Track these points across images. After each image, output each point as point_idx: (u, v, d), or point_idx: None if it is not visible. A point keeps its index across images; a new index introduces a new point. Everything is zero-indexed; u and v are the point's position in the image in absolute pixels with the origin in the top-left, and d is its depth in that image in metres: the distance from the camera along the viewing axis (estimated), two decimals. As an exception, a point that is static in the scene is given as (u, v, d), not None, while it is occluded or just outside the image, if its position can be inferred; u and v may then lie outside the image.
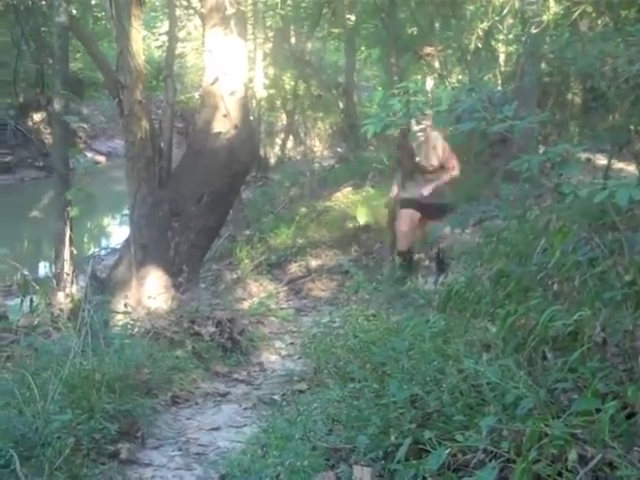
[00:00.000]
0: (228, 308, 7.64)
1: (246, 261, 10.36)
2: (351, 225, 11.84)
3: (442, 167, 8.89)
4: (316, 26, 17.97)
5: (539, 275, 4.05)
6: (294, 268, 10.52)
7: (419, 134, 8.70)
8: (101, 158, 25.69)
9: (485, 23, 14.01)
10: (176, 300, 7.34)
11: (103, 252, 14.17)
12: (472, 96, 3.71)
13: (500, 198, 5.08)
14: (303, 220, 11.85)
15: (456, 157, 9.09)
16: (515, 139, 3.73)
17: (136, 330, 6.43)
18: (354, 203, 13.00)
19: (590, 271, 3.68)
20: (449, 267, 8.56)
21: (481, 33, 14.41)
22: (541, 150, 3.69)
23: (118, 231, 16.20)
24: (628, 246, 3.54)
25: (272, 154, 21.10)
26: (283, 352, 7.23)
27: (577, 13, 8.54)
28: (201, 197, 7.62)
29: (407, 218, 8.73)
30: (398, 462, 3.00)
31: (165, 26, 19.30)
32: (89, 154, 23.34)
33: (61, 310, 6.84)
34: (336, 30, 18.59)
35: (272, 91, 19.30)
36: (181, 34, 18.50)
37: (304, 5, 17.60)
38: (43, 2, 19.94)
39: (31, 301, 6.72)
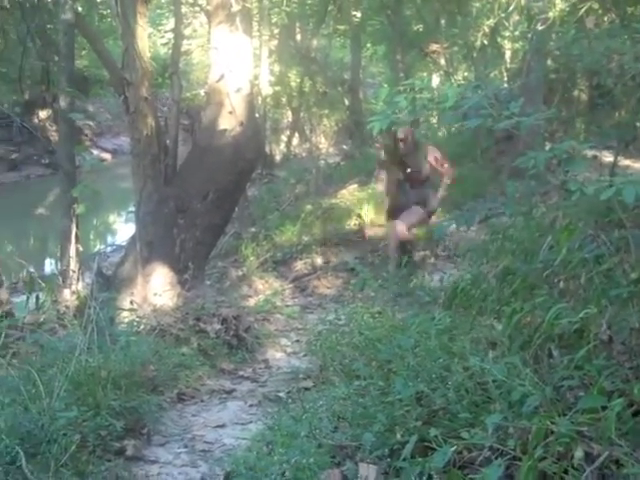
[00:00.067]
0: (234, 305, 7.64)
1: (251, 258, 10.35)
2: (356, 222, 11.83)
3: (428, 178, 8.89)
4: (322, 23, 17.95)
5: (545, 272, 4.05)
6: (300, 265, 10.52)
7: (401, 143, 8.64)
8: (107, 155, 25.71)
9: (491, 20, 14.00)
10: (182, 297, 7.34)
11: (109, 249, 14.16)
12: (478, 93, 3.70)
13: (506, 195, 5.05)
14: (309, 217, 11.83)
15: (448, 162, 9.01)
16: (521, 136, 3.72)
17: (142, 327, 6.43)
18: (360, 200, 12.99)
19: (596, 268, 3.68)
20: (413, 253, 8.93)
21: (487, 30, 14.40)
22: (547, 147, 3.68)
23: (124, 228, 16.24)
24: (634, 243, 3.53)
25: (278, 151, 21.11)
26: (289, 349, 7.23)
27: (583, 10, 8.54)
28: (207, 194, 7.62)
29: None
30: (404, 460, 3.00)
31: (171, 23, 19.27)
32: (95, 151, 23.39)
33: (67, 307, 6.85)
34: (342, 27, 18.60)
35: (278, 88, 19.27)
36: (187, 31, 18.50)
37: (310, 2, 17.58)
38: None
39: (37, 298, 6.73)
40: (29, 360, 5.01)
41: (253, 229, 12.15)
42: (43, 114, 24.73)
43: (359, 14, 17.57)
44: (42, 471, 3.62)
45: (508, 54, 17.12)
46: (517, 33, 15.56)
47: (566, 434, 2.69)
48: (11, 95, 24.23)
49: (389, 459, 3.16)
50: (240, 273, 10.16)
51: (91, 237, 17.09)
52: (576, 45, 8.39)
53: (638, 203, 3.15)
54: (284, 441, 3.73)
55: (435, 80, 17.79)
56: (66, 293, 7.25)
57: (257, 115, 10.87)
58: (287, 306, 8.85)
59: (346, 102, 20.03)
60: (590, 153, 10.88)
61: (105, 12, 20.99)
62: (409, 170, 8.71)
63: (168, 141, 7.88)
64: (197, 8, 15.09)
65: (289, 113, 21.87)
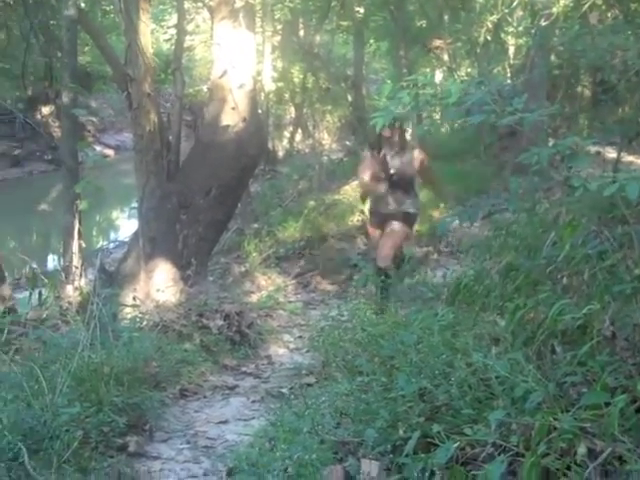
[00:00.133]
0: (236, 301, 7.64)
1: (254, 254, 10.35)
2: (359, 218, 11.82)
3: (413, 182, 8.15)
4: (325, 19, 17.91)
5: (548, 269, 4.04)
6: (302, 261, 10.52)
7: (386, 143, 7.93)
8: (110, 151, 25.72)
9: (494, 15, 13.95)
10: (184, 293, 7.34)
11: (112, 245, 14.17)
12: (481, 89, 3.69)
13: (509, 191, 5.05)
14: (311, 213, 11.83)
15: (432, 169, 8.48)
16: (525, 132, 3.71)
17: (144, 323, 6.44)
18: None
19: (599, 264, 3.67)
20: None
21: (490, 26, 14.36)
22: (550, 143, 3.67)
23: (127, 224, 16.22)
24: (638, 239, 3.52)
25: (280, 147, 21.10)
26: (291, 345, 7.23)
27: (587, 5, 8.51)
28: (209, 190, 7.62)
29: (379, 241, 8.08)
30: (406, 456, 3.00)
31: (173, 19, 19.26)
32: (98, 147, 23.43)
33: (70, 303, 6.85)
34: (345, 23, 18.55)
35: (280, 84, 19.26)
36: (190, 27, 18.46)
37: (312, -2, 17.57)
38: (52, -5, 19.94)
39: (40, 294, 6.74)
40: (32, 356, 5.02)
41: (256, 225, 12.15)
42: (46, 110, 24.74)
43: (362, 10, 17.52)
44: (44, 467, 3.63)
45: (511, 50, 17.11)
46: (520, 29, 15.53)
47: (569, 430, 2.68)
48: (14, 91, 24.25)
49: (392, 455, 3.16)
50: (243, 269, 10.16)
51: (94, 233, 17.09)
52: (580, 41, 8.38)
53: (641, 199, 3.15)
54: (287, 437, 3.73)
55: (438, 76, 17.76)
56: (69, 289, 7.25)
57: (260, 111, 10.88)
58: (290, 302, 8.86)
59: (349, 98, 19.99)
60: (593, 149, 10.88)
61: (108, 8, 21.01)
62: (393, 172, 7.94)
63: (171, 137, 7.88)
64: (200, 4, 15.05)
65: (292, 109, 21.87)
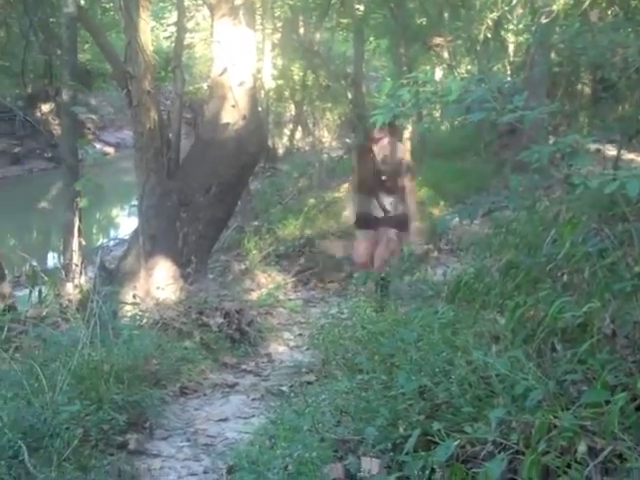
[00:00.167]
0: (236, 299, 7.64)
1: (254, 252, 10.35)
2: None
3: (403, 188, 7.77)
4: (325, 16, 17.91)
5: (548, 266, 4.04)
6: (302, 259, 10.52)
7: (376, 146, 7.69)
8: (110, 149, 25.74)
9: (495, 13, 13.98)
10: (184, 291, 7.34)
11: (112, 243, 14.17)
12: (482, 86, 3.69)
13: (509, 189, 5.05)
14: (311, 211, 11.84)
15: (413, 174, 7.97)
16: (525, 130, 3.71)
17: (144, 321, 6.44)
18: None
19: (600, 262, 3.67)
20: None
21: (490, 23, 14.39)
22: (551, 141, 3.67)
23: (127, 222, 16.22)
24: (638, 237, 3.53)
25: (280, 145, 21.11)
26: (291, 343, 7.23)
27: (587, 3, 8.52)
28: (209, 188, 7.61)
29: (364, 246, 7.94)
30: (407, 453, 3.00)
31: (173, 17, 19.26)
32: (98, 145, 23.40)
33: (70, 301, 6.85)
34: (345, 20, 18.54)
35: (280, 82, 19.28)
36: (189, 25, 18.47)
37: (312, -5, 17.57)
38: (51, -7, 19.94)
39: (40, 292, 6.74)
40: (32, 354, 5.02)
41: (256, 223, 12.15)
42: (46, 108, 24.75)
43: (362, 7, 17.52)
44: (45, 465, 3.62)
45: (512, 47, 17.13)
46: (521, 26, 15.56)
47: (569, 428, 2.68)
48: (14, 89, 24.27)
49: (392, 453, 3.16)
50: (243, 267, 10.15)
51: (94, 231, 17.09)
52: (580, 38, 8.38)
53: (642, 197, 3.15)
54: (287, 435, 3.73)
55: (438, 73, 17.76)
56: (69, 287, 7.25)
57: (260, 109, 10.86)
58: (290, 300, 8.86)
59: (349, 96, 19.95)
60: (593, 147, 10.86)
61: (108, 5, 21.03)
62: (384, 178, 7.67)
63: (171, 135, 7.88)
64: (200, 1, 15.08)
65: (292, 107, 21.89)
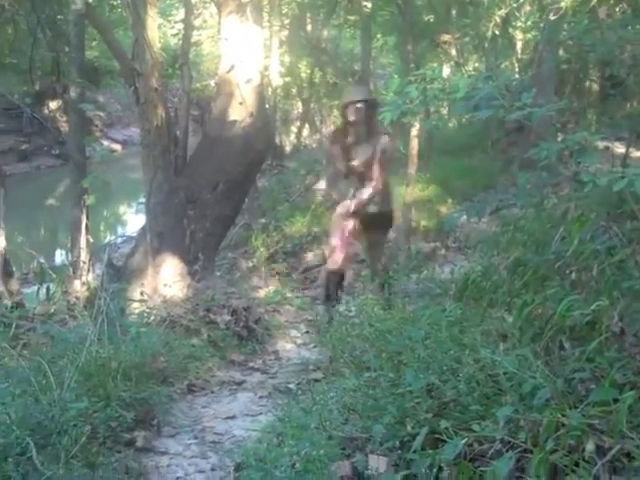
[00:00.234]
0: (244, 296, 7.65)
1: (262, 249, 10.36)
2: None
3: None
4: (332, 13, 17.92)
5: (557, 264, 4.03)
6: (310, 256, 10.52)
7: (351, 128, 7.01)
8: (117, 146, 25.79)
9: (503, 10, 13.94)
10: (192, 288, 7.35)
11: (119, 240, 14.20)
12: (489, 83, 3.68)
13: (517, 186, 5.04)
14: (319, 208, 11.83)
15: (382, 168, 7.06)
16: (533, 127, 3.70)
17: (152, 318, 6.44)
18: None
19: (608, 260, 3.66)
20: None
21: (498, 20, 14.36)
22: (559, 138, 3.66)
23: (134, 219, 16.25)
24: (647, 235, 3.52)
25: (288, 142, 21.12)
26: (299, 341, 7.24)
27: (596, 0, 8.48)
28: (217, 185, 7.62)
29: (342, 229, 7.06)
30: (414, 452, 2.99)
31: (181, 14, 19.27)
32: (105, 142, 23.50)
33: (77, 298, 6.86)
34: (352, 17, 18.54)
35: (288, 79, 19.29)
36: (197, 22, 18.46)
37: (320, -8, 17.57)
38: (59, -10, 19.97)
39: (47, 289, 6.75)
40: (40, 351, 5.03)
41: (263, 220, 12.17)
42: (53, 105, 24.80)
43: (369, 4, 17.51)
44: (52, 462, 3.62)
45: (519, 44, 17.09)
46: (529, 23, 15.52)
47: (577, 427, 2.68)
48: (21, 86, 24.32)
49: (399, 451, 3.15)
50: (250, 264, 10.17)
51: (101, 228, 17.13)
52: (588, 35, 8.34)
53: (650, 194, 3.14)
54: (294, 433, 3.72)
55: (446, 71, 17.72)
56: (76, 284, 7.27)
57: (267, 106, 10.87)
58: (297, 297, 8.86)
59: (357, 93, 19.93)
60: (602, 144, 10.85)
61: (115, 2, 21.03)
62: (355, 163, 7.01)
63: (178, 132, 7.88)
64: (207, -2, 15.10)
65: (299, 104, 21.89)
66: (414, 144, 10.40)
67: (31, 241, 15.37)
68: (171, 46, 22.75)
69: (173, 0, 22.34)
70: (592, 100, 17.42)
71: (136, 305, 6.85)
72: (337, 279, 7.24)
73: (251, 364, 6.40)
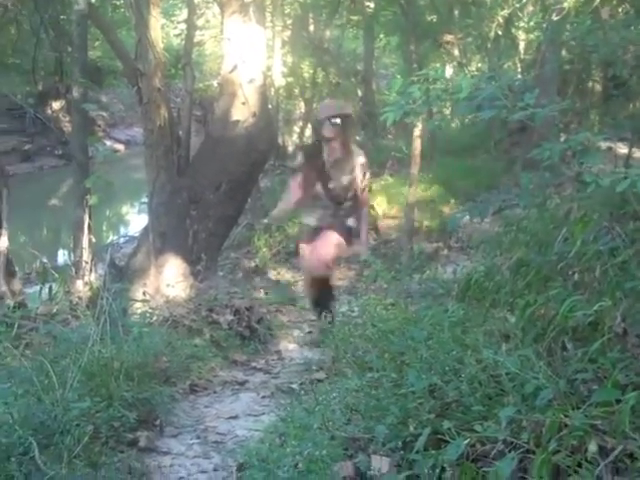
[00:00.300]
0: (246, 296, 7.66)
1: (264, 249, 10.37)
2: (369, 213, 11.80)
3: (355, 197, 6.78)
4: (335, 13, 17.93)
5: (559, 265, 4.03)
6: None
7: (329, 137, 6.54)
8: (120, 146, 25.81)
9: (505, 10, 13.94)
10: (194, 288, 7.36)
11: (122, 240, 14.22)
12: (492, 84, 3.68)
13: (520, 187, 5.04)
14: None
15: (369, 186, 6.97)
16: (536, 127, 3.70)
17: (155, 318, 6.44)
18: (372, 192, 12.96)
19: (611, 261, 3.66)
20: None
21: (501, 20, 14.35)
22: (562, 138, 3.66)
23: (137, 219, 16.27)
24: (649, 235, 3.52)
25: (290, 142, 21.09)
26: (301, 341, 7.23)
27: (598, 0, 8.48)
28: (219, 185, 7.62)
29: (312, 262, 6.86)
30: (417, 452, 2.99)
31: (184, 14, 19.26)
32: (108, 142, 23.46)
33: (80, 298, 6.87)
34: (355, 17, 18.55)
35: (290, 79, 19.28)
36: (200, 22, 18.47)
37: (323, -8, 17.57)
38: (62, -10, 19.97)
39: (50, 289, 6.76)
40: (42, 351, 5.03)
41: (266, 220, 12.15)
42: (56, 105, 24.82)
43: (372, 4, 17.52)
44: (55, 462, 3.62)
45: (522, 45, 17.07)
46: (531, 24, 15.50)
47: (580, 427, 2.67)
48: (24, 86, 24.33)
49: (402, 451, 3.15)
50: (253, 264, 10.17)
51: (104, 228, 17.15)
52: (591, 36, 8.34)
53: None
54: (297, 433, 3.72)
55: (448, 71, 17.73)
56: (79, 284, 7.28)
57: (270, 106, 10.87)
58: (300, 297, 8.85)
59: (359, 93, 20.00)
60: (605, 145, 10.84)
61: (118, 3, 21.00)
62: (332, 185, 6.61)
63: (181, 132, 7.89)
64: (210, -1, 15.11)
65: (302, 104, 21.87)
66: (417, 144, 10.39)
67: (34, 241, 15.40)
68: (174, 46, 22.75)
69: (176, 0, 22.33)
70: (595, 100, 17.41)
71: (138, 305, 6.85)
72: (320, 285, 6.97)
73: (253, 364, 6.40)
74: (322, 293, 7.02)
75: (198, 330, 6.45)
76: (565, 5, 9.75)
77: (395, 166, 15.28)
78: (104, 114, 27.23)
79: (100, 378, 4.53)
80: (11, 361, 4.86)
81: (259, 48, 7.62)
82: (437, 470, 2.87)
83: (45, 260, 7.72)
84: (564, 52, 15.10)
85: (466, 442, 2.87)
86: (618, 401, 2.71)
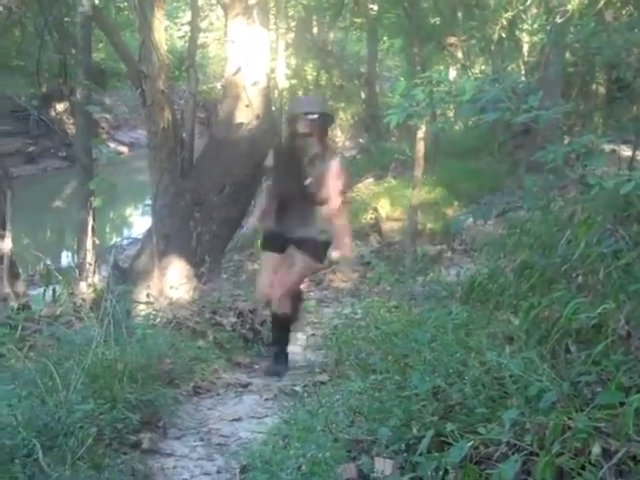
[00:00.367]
0: (250, 299, 7.65)
1: (268, 252, 10.34)
2: (372, 216, 11.82)
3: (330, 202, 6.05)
4: (338, 16, 17.95)
5: (563, 267, 4.03)
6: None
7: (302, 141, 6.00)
8: (124, 148, 25.80)
9: (509, 13, 13.94)
10: (198, 290, 7.36)
11: (125, 242, 14.24)
12: (496, 86, 3.68)
13: (524, 189, 5.04)
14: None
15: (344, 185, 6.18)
16: (539, 130, 3.70)
17: (158, 320, 6.44)
18: (376, 194, 12.99)
19: (615, 263, 3.65)
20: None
21: (505, 23, 14.36)
22: (565, 141, 3.66)
23: (140, 221, 16.29)
24: (654, 238, 3.51)
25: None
26: (304, 343, 7.22)
27: (602, 2, 8.49)
28: (223, 187, 7.63)
29: (269, 275, 6.20)
30: (420, 454, 2.99)
31: (187, 16, 19.32)
32: (112, 144, 23.47)
33: (83, 300, 6.87)
34: (358, 20, 18.57)
35: (294, 81, 19.28)
36: (203, 24, 18.51)
37: (326, -5, 17.59)
38: (66, -8, 20.03)
39: (54, 291, 6.75)
40: (46, 353, 5.03)
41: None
42: (60, 107, 24.83)
43: (376, 7, 17.53)
44: (59, 464, 3.62)
45: (526, 47, 17.08)
46: (535, 26, 15.50)
47: (583, 430, 2.67)
48: (28, 88, 24.37)
49: (405, 454, 3.15)
50: (256, 266, 10.16)
51: (108, 230, 17.16)
52: (595, 38, 8.34)
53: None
54: (300, 435, 3.72)
55: (452, 73, 17.74)
56: (82, 286, 7.28)
57: (274, 108, 10.88)
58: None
59: (362, 95, 20.01)
60: (608, 147, 10.84)
61: (122, 5, 21.05)
62: (307, 183, 5.98)
63: (185, 134, 7.90)
64: (214, 1, 15.11)
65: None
66: (420, 147, 10.39)
67: (37, 243, 15.41)
68: (178, 48, 22.79)
69: (180, 2, 22.38)
70: (599, 103, 17.40)
71: (142, 307, 6.86)
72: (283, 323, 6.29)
73: (257, 366, 6.40)
74: (282, 327, 6.33)
75: (202, 332, 6.44)
76: (569, 7, 9.76)
77: (398, 168, 15.28)
78: (108, 116, 27.24)
79: (104, 380, 4.53)
80: (15, 363, 4.86)
81: (263, 50, 7.63)
82: (440, 472, 2.87)
83: (49, 262, 7.71)
84: (568, 54, 15.10)
85: (469, 444, 2.87)
86: (622, 404, 2.71)
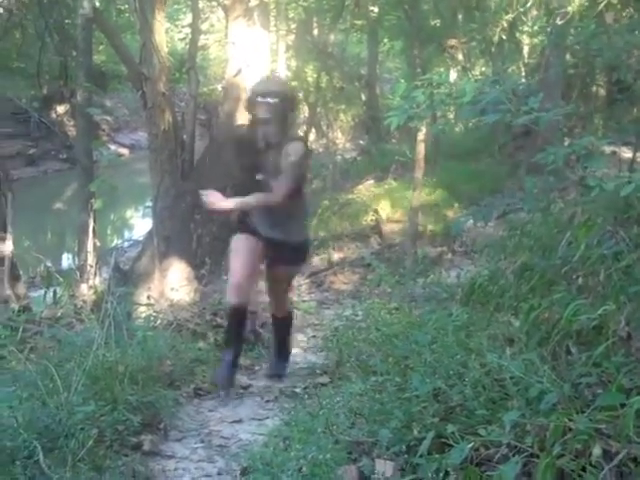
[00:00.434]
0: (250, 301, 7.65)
1: (268, 253, 10.35)
2: (373, 218, 11.82)
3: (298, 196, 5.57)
4: (339, 18, 17.91)
5: (563, 269, 4.03)
6: (316, 261, 10.52)
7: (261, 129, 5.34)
8: (124, 150, 25.80)
9: (509, 15, 13.94)
10: (198, 292, 7.36)
11: (126, 244, 14.23)
12: (496, 88, 3.68)
13: (524, 191, 5.04)
14: (325, 213, 11.85)
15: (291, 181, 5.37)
16: (540, 131, 3.70)
17: (159, 322, 6.45)
18: (376, 196, 12.98)
19: (615, 265, 3.65)
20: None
21: (505, 25, 14.35)
22: (566, 143, 3.67)
23: (141, 223, 16.28)
24: (654, 240, 3.51)
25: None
26: (305, 345, 7.23)
27: (603, 4, 8.48)
28: (224, 189, 7.62)
29: (244, 255, 5.59)
30: (421, 456, 2.99)
31: (188, 18, 19.34)
32: (112, 146, 23.52)
33: (84, 302, 6.88)
34: (359, 22, 18.55)
35: (294, 83, 19.27)
36: (204, 26, 18.51)
37: (327, -3, 17.58)
38: (67, -6, 20.04)
39: (54, 293, 6.76)
40: (47, 355, 5.03)
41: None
42: (61, 109, 24.84)
43: (376, 9, 17.53)
44: (59, 465, 3.63)
45: (526, 49, 17.09)
46: (536, 28, 15.51)
47: (584, 431, 2.67)
48: (29, 90, 24.38)
49: (406, 455, 3.15)
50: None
51: (108, 232, 17.16)
52: (595, 40, 8.35)
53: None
54: (301, 437, 3.72)
55: (453, 75, 17.74)
56: (83, 288, 7.28)
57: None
58: (304, 301, 8.86)
59: (363, 97, 20.01)
60: (609, 149, 10.84)
61: (123, 7, 21.08)
62: (264, 175, 5.44)
63: (185, 136, 7.90)
64: (214, 3, 15.11)
65: (306, 108, 21.85)
66: (421, 148, 10.39)
67: (38, 245, 15.39)
68: (178, 50, 22.83)
69: (180, 5, 22.37)
70: (599, 105, 17.40)
71: (143, 309, 6.86)
72: (240, 317, 5.61)
73: (257, 368, 6.40)
74: (240, 323, 5.67)
75: (202, 334, 6.45)
76: (569, 9, 9.76)
77: (399, 170, 15.27)
78: (108, 118, 27.23)
79: (104, 382, 4.53)
80: (16, 365, 4.86)
81: (263, 52, 7.63)
82: (441, 474, 2.87)
83: (49, 264, 7.73)
84: (568, 56, 15.10)
85: (470, 446, 2.87)
86: (622, 405, 2.71)
